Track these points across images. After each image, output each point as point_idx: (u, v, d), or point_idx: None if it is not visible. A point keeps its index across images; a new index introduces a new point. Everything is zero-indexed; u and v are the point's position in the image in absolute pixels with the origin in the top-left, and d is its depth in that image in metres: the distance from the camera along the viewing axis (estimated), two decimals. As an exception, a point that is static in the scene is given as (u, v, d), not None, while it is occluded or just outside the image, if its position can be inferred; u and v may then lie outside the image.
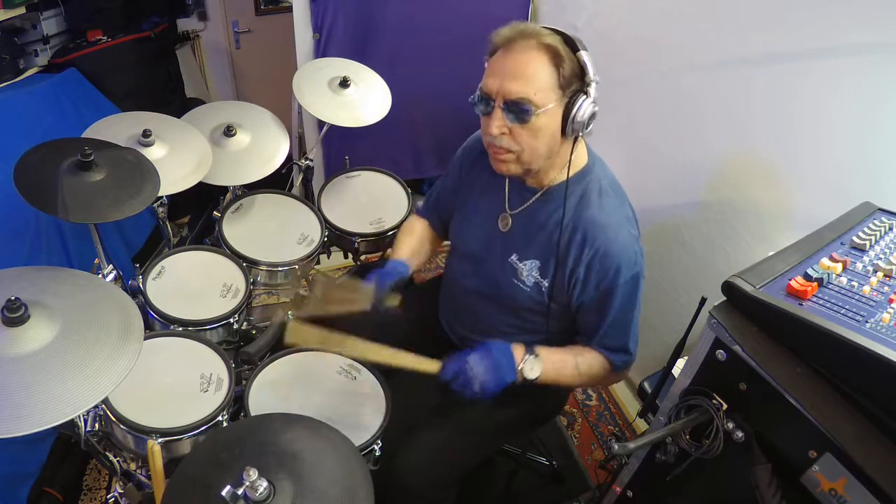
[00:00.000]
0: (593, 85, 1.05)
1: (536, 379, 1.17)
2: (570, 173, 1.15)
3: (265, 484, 0.81)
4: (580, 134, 1.09)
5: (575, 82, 1.05)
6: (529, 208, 1.22)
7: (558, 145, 1.11)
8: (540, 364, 1.17)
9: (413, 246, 1.45)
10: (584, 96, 1.05)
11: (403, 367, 1.16)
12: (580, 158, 1.18)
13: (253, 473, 0.80)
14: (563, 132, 1.08)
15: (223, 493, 0.79)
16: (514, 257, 1.23)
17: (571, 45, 1.04)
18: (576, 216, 1.15)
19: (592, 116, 1.07)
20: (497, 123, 1.07)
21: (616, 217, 1.15)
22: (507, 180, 1.25)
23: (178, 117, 1.63)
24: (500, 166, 1.14)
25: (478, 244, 1.30)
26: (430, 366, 1.16)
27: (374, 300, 1.23)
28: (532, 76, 1.03)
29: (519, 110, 1.04)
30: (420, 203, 1.58)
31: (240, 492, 0.80)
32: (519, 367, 1.16)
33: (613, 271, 1.12)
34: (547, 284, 1.19)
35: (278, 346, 1.39)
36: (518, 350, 1.18)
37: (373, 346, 1.16)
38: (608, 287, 1.14)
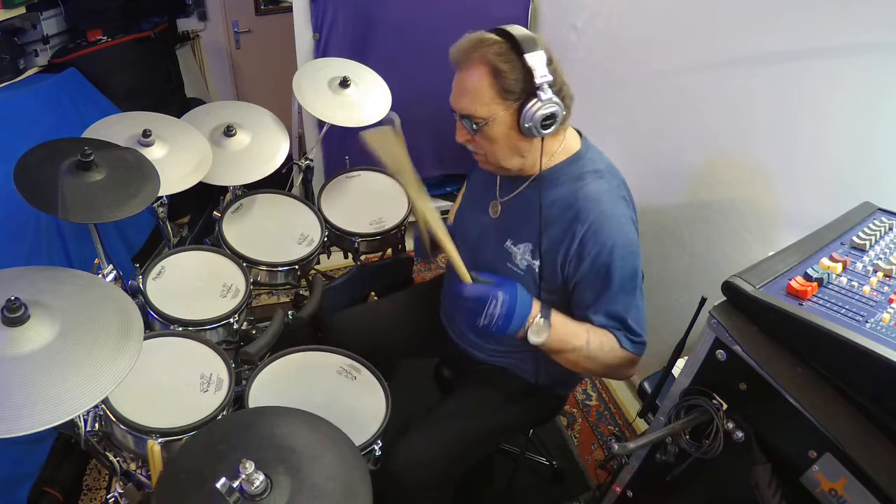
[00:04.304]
0: (545, 85, 1.04)
1: (541, 343, 1.13)
2: (561, 158, 1.19)
3: (262, 477, 0.80)
4: (542, 134, 1.08)
5: (525, 86, 1.06)
6: (521, 194, 1.24)
7: (526, 144, 1.12)
8: (547, 332, 1.12)
9: None
10: (535, 99, 1.05)
11: (445, 250, 1.16)
12: (571, 144, 1.20)
13: (249, 466, 0.78)
14: (524, 134, 1.09)
15: (218, 485, 0.77)
16: (508, 242, 1.24)
17: (518, 48, 1.04)
18: (570, 194, 1.15)
19: (551, 116, 1.07)
20: (459, 133, 1.16)
21: (610, 195, 1.15)
22: None
23: (178, 117, 1.63)
24: (481, 165, 1.22)
25: (473, 233, 1.33)
26: (464, 271, 1.13)
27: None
28: (471, 91, 1.09)
29: (470, 123, 1.11)
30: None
31: (235, 485, 0.78)
32: (528, 325, 1.11)
33: (609, 248, 1.11)
34: (538, 264, 1.19)
35: (278, 346, 1.39)
36: (535, 307, 1.13)
37: (431, 211, 1.19)
38: (605, 262, 1.12)
